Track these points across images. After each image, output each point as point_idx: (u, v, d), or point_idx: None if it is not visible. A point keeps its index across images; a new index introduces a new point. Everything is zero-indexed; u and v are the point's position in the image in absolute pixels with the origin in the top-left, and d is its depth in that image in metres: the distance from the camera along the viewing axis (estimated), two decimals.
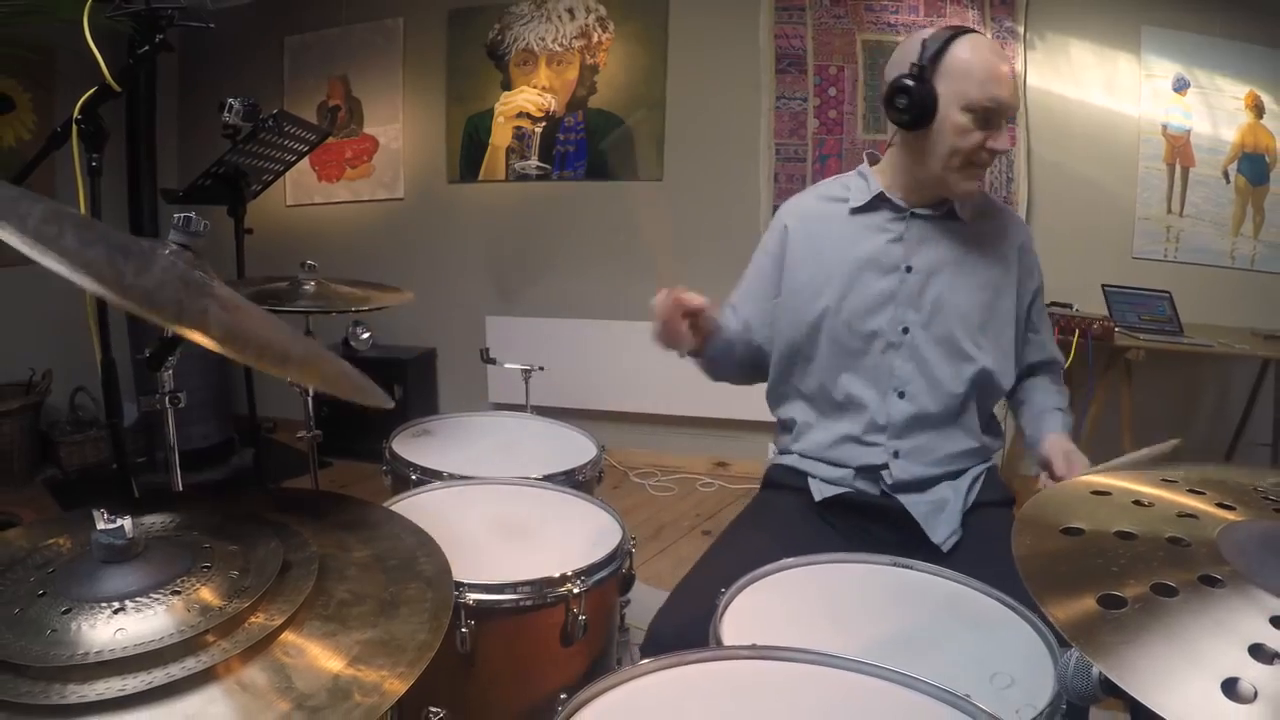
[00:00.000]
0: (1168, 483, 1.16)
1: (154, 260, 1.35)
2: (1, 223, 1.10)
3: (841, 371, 2.42)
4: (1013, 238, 2.49)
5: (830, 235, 2.47)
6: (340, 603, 1.27)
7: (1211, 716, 0.77)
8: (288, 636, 1.17)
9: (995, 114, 2.24)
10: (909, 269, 2.39)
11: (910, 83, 2.26)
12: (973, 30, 2.30)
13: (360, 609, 1.27)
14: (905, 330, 2.37)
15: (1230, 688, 0.78)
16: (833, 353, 2.42)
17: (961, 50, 2.24)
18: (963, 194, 2.36)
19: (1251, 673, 0.79)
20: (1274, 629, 0.84)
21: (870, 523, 2.39)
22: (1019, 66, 5.42)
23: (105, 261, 1.19)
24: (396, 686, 1.13)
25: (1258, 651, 0.82)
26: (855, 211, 2.46)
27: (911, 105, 2.26)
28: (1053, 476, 2.26)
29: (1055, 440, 2.35)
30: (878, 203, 2.44)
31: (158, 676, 1.04)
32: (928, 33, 2.29)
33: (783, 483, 2.56)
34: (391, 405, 1.54)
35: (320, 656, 1.15)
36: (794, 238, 2.50)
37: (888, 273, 2.40)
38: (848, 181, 2.54)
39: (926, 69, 2.25)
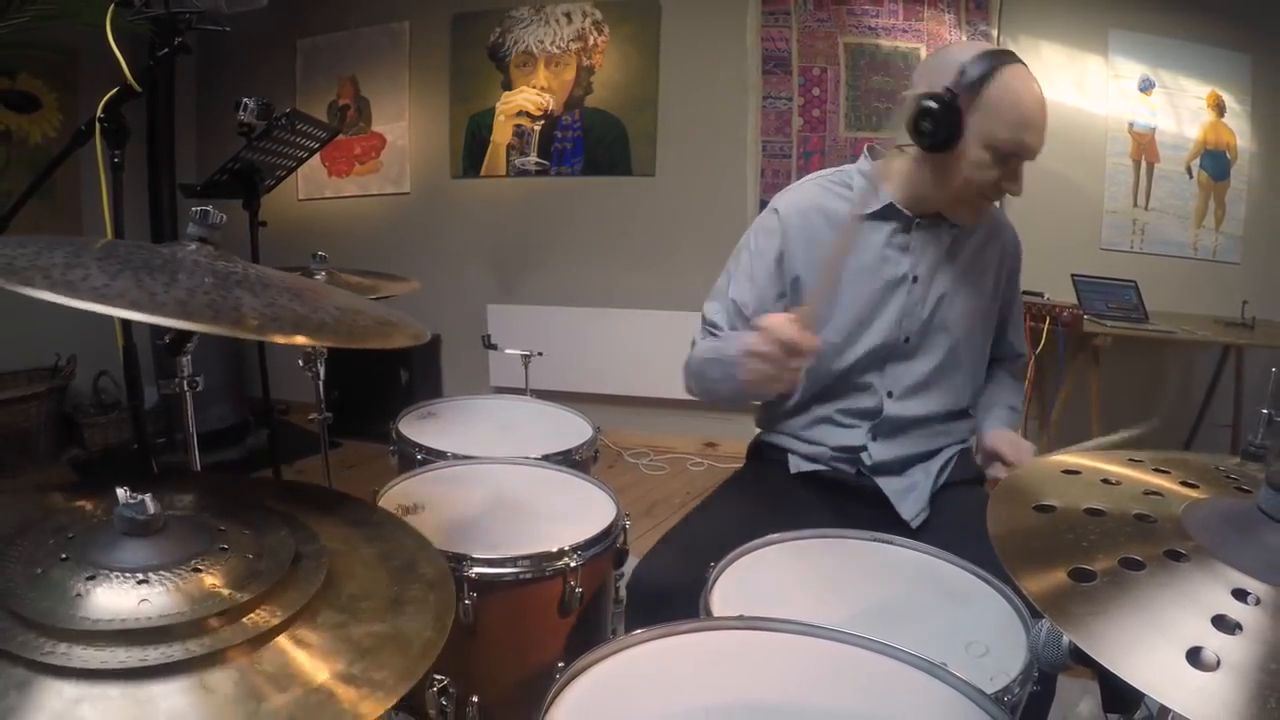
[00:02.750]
0: (1134, 462, 1.16)
1: (179, 265, 1.35)
2: (31, 282, 1.11)
3: (836, 373, 2.34)
4: (1003, 236, 2.45)
5: (826, 244, 2.29)
6: (350, 596, 1.26)
7: (1176, 684, 0.77)
8: (301, 624, 1.16)
9: (1018, 158, 2.11)
10: (915, 279, 2.30)
11: (936, 106, 2.08)
12: (1018, 61, 2.11)
13: (369, 603, 1.25)
14: (906, 340, 2.32)
15: (1194, 656, 0.79)
16: (832, 354, 2.32)
17: (1001, 86, 2.06)
18: (961, 222, 2.28)
19: (1214, 642, 0.80)
20: (1236, 600, 0.85)
21: (845, 499, 2.35)
22: None
23: (134, 285, 1.19)
24: (407, 678, 1.13)
25: (1220, 622, 0.82)
26: (862, 219, 2.28)
27: (936, 130, 2.09)
28: (1004, 463, 2.21)
29: (999, 433, 2.31)
30: (886, 212, 2.30)
31: (176, 651, 1.03)
32: (967, 54, 2.09)
33: (765, 456, 2.55)
34: (427, 338, 1.55)
35: (334, 644, 1.15)
36: (795, 240, 2.34)
37: (895, 284, 2.30)
38: (849, 179, 2.38)
39: (959, 97, 2.07)
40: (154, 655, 1.02)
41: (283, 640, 1.12)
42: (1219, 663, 0.78)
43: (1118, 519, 1.01)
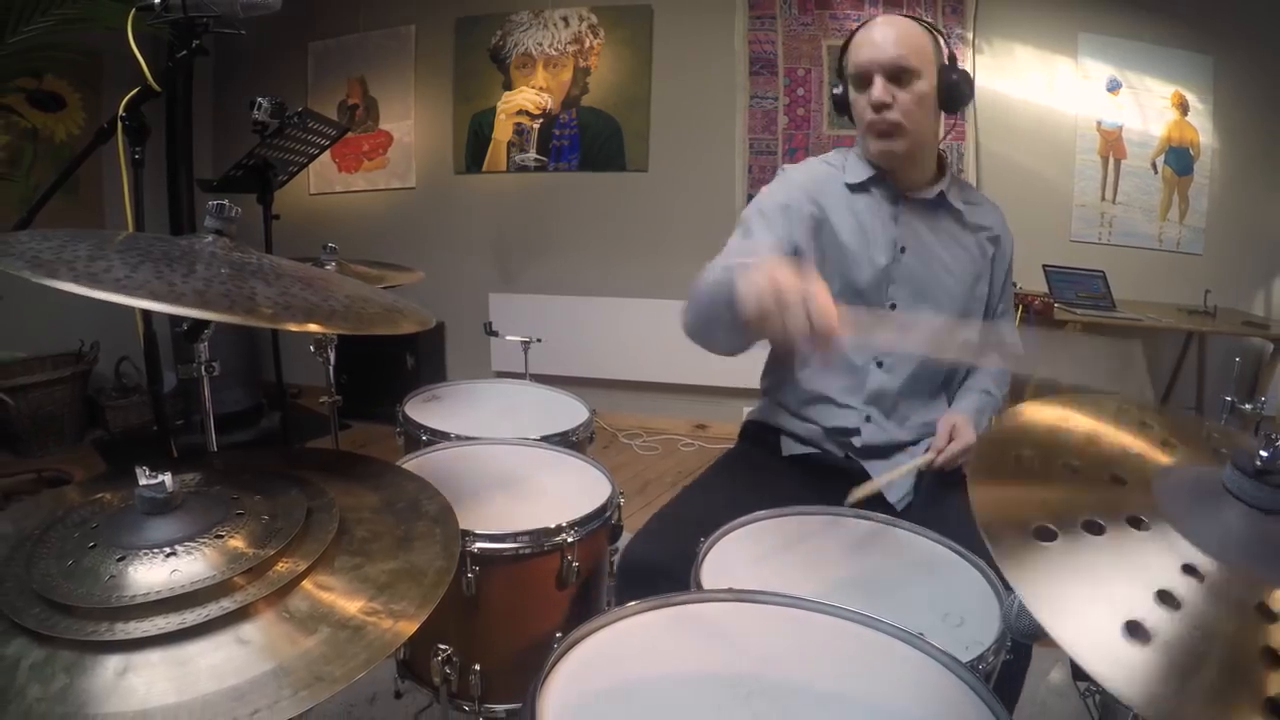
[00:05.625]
0: (1121, 412, 1.16)
1: (196, 257, 1.36)
2: (57, 275, 1.12)
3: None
4: (991, 225, 2.41)
5: (833, 205, 2.32)
6: (361, 540, 1.29)
7: (1104, 652, 0.77)
8: (321, 570, 1.19)
9: (868, 75, 2.17)
10: (903, 249, 2.29)
11: (835, 90, 2.35)
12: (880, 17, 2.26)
13: (379, 544, 1.28)
14: (893, 306, 2.29)
15: (1131, 629, 0.78)
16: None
17: (850, 46, 2.26)
18: (878, 157, 2.27)
19: (1152, 617, 0.80)
20: (1184, 575, 0.85)
21: (832, 482, 2.24)
22: (968, 67, 5.43)
23: (154, 277, 1.20)
24: (426, 604, 1.16)
25: (1163, 598, 0.82)
26: (853, 189, 2.33)
27: (839, 107, 2.33)
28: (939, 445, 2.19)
29: (950, 416, 2.27)
30: (874, 183, 2.32)
31: (212, 610, 1.06)
32: None
33: (757, 437, 2.52)
34: (432, 323, 1.58)
35: (353, 584, 1.18)
36: (800, 194, 2.31)
37: (883, 250, 2.28)
38: (844, 156, 2.42)
39: (843, 71, 2.29)
40: (191, 618, 1.04)
41: (306, 587, 1.16)
42: (1151, 638, 0.78)
43: (1092, 480, 1.01)
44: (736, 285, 1.59)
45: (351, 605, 1.13)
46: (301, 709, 0.97)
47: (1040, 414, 1.20)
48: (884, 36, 2.17)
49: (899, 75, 2.16)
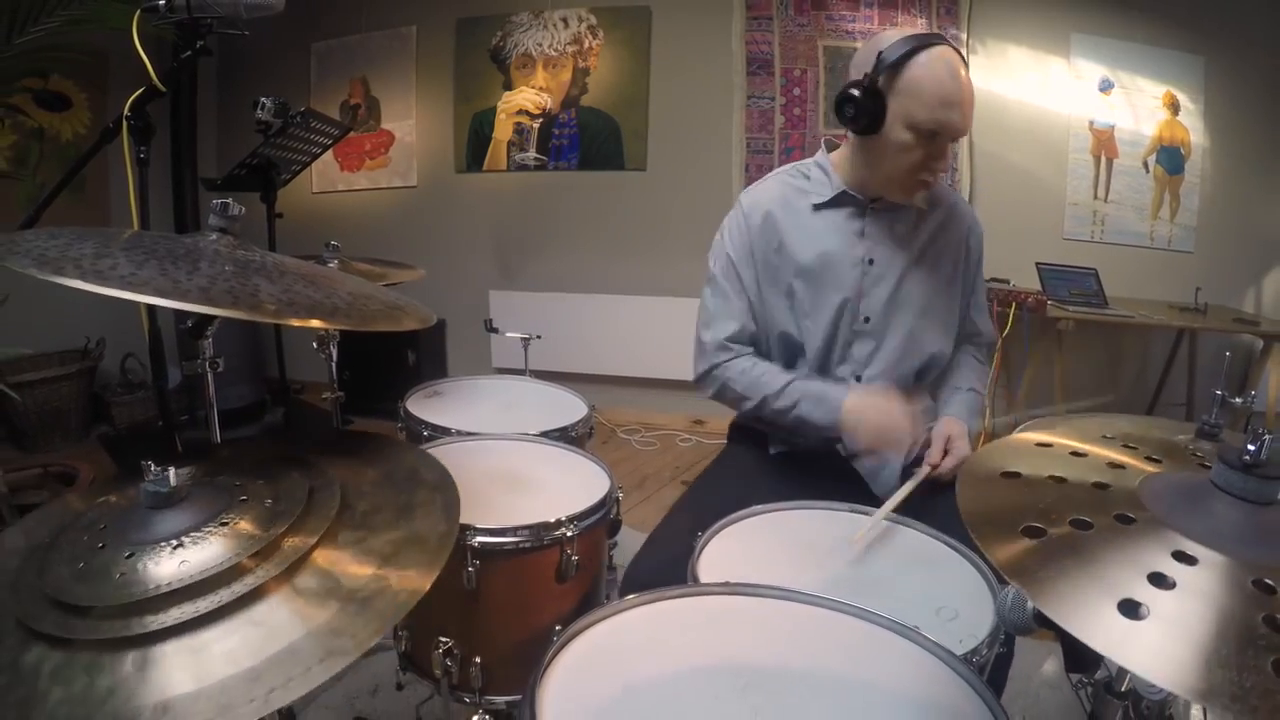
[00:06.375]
0: (1106, 439, 1.16)
1: (201, 255, 1.36)
2: (63, 272, 1.13)
3: (801, 356, 2.33)
4: (962, 222, 2.36)
5: (794, 231, 2.30)
6: (364, 514, 1.29)
7: (1106, 630, 0.78)
8: (327, 546, 1.20)
9: (940, 137, 2.05)
10: (871, 262, 2.26)
11: (857, 93, 2.07)
12: (938, 43, 2.04)
13: (382, 516, 1.29)
14: (866, 320, 2.27)
15: (1126, 608, 0.79)
16: (794, 340, 2.33)
17: (918, 68, 2.02)
18: (899, 201, 2.22)
19: (1146, 596, 0.80)
20: (1176, 562, 0.85)
21: (821, 478, 2.26)
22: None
23: (159, 274, 1.20)
24: (431, 568, 1.17)
25: (1157, 579, 0.82)
26: (818, 207, 2.30)
27: (858, 115, 2.08)
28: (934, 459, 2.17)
29: (945, 423, 2.24)
30: (840, 199, 2.28)
31: (224, 595, 1.07)
32: (888, 40, 2.06)
33: (743, 439, 2.53)
34: (433, 320, 1.59)
35: (359, 558, 1.19)
36: (757, 234, 2.33)
37: (851, 267, 2.26)
38: (807, 170, 2.37)
39: (880, 80, 2.05)
40: (204, 605, 1.05)
41: (312, 564, 1.16)
42: (1148, 614, 0.78)
43: (1077, 486, 1.01)
44: (841, 422, 2.18)
45: (359, 577, 1.14)
46: (315, 683, 0.98)
47: (1025, 437, 1.20)
48: (962, 98, 2.03)
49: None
